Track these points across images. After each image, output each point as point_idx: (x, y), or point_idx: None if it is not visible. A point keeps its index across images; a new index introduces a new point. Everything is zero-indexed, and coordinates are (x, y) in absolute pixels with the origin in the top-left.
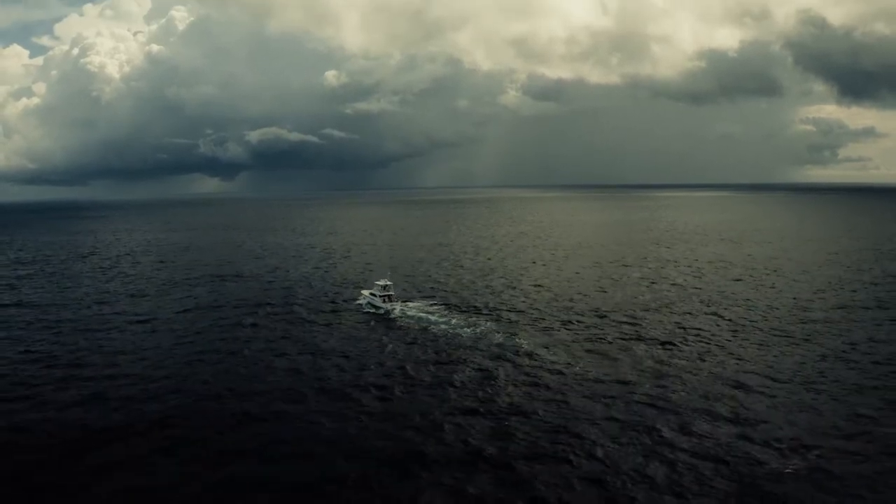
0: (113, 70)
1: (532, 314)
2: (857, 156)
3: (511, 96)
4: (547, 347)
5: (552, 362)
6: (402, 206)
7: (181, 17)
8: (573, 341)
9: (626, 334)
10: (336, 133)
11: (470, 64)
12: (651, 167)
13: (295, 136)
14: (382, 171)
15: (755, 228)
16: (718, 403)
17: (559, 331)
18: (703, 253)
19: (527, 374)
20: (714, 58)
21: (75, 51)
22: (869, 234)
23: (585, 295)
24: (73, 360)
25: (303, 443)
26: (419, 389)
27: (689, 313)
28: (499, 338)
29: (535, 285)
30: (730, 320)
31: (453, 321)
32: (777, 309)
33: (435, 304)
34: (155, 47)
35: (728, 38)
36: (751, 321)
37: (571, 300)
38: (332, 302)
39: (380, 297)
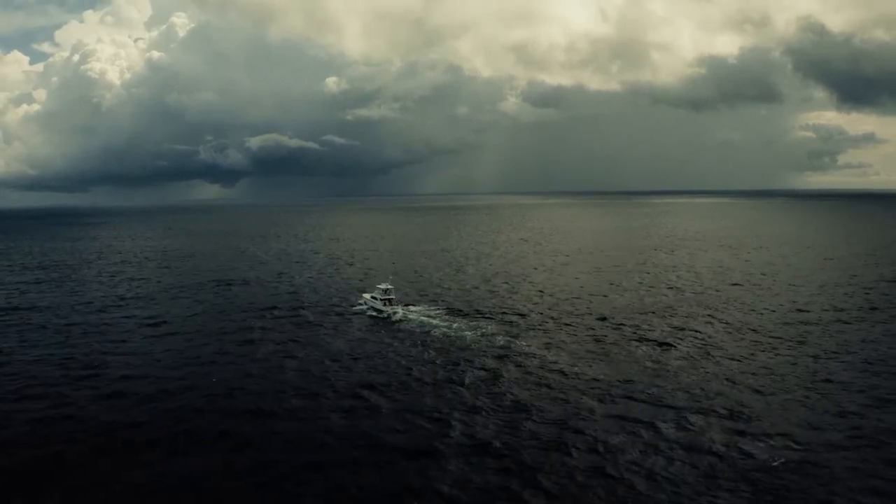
0: (113, 76)
1: (533, 318)
2: (857, 162)
3: (511, 103)
4: (548, 349)
5: (553, 362)
6: (402, 212)
7: (182, 23)
8: (574, 343)
9: (626, 336)
10: (336, 139)
11: (470, 71)
12: (651, 174)
13: (295, 143)
14: (383, 178)
15: (754, 235)
16: (715, 401)
17: (560, 333)
18: (702, 259)
19: (529, 374)
20: (714, 64)
21: (76, 57)
22: (866, 240)
23: (586, 299)
24: (88, 363)
25: (315, 436)
26: (425, 388)
27: (688, 316)
28: (500, 340)
29: (537, 290)
30: (727, 323)
31: (455, 325)
32: (773, 311)
33: (437, 308)
34: (155, 54)
35: (728, 45)
36: (748, 324)
37: (572, 304)
38: (338, 306)
39: (381, 300)
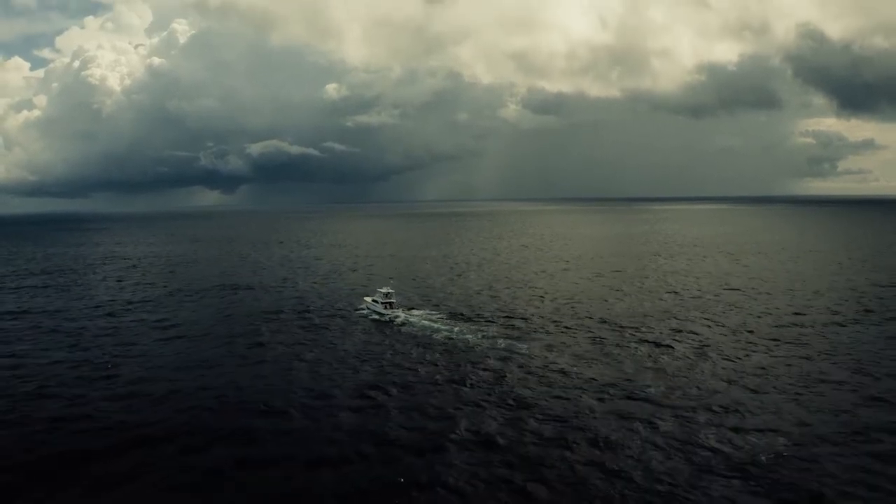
0: (114, 83)
1: (535, 321)
2: (856, 168)
3: (511, 110)
4: (549, 350)
5: (554, 363)
6: (403, 219)
7: (182, 30)
8: (574, 344)
9: (626, 338)
10: (337, 146)
11: (470, 77)
12: (651, 180)
13: (296, 149)
14: (383, 184)
15: (754, 241)
16: (711, 399)
17: (561, 336)
18: (701, 264)
19: (530, 374)
20: (714, 71)
21: (76, 63)
22: (864, 246)
23: (587, 304)
24: (101, 364)
25: (325, 432)
26: (430, 387)
27: (687, 320)
28: (502, 342)
29: (538, 295)
30: (725, 326)
31: (456, 328)
32: (770, 315)
33: (439, 312)
34: (156, 60)
35: (727, 52)
36: (745, 327)
37: (573, 308)
38: (342, 310)
39: (382, 303)
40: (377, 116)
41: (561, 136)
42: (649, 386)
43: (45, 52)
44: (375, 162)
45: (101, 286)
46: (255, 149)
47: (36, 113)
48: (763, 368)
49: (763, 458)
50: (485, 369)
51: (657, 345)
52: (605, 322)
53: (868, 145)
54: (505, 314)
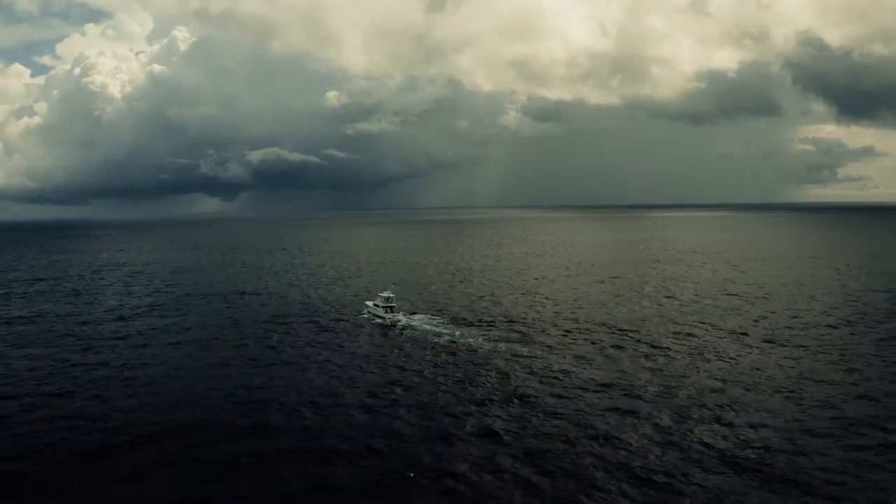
0: (114, 90)
1: (536, 325)
2: (856, 175)
3: (511, 117)
4: (551, 352)
5: (556, 364)
6: (404, 226)
7: (183, 37)
8: (575, 347)
9: (626, 341)
10: (337, 153)
11: (471, 85)
12: (651, 187)
13: (296, 157)
14: (383, 192)
15: (753, 248)
16: (707, 397)
17: (562, 338)
18: (700, 271)
19: (533, 374)
20: (713, 79)
21: (77, 70)
22: (862, 253)
23: (587, 309)
24: (115, 367)
25: (338, 428)
26: (436, 386)
27: (685, 323)
28: (504, 345)
29: (539, 301)
30: (722, 329)
31: (457, 332)
32: (766, 318)
33: (441, 317)
34: (157, 67)
35: (727, 60)
36: (742, 330)
37: (573, 313)
38: (347, 314)
39: (382, 307)
40: (377, 124)
41: (561, 144)
42: (648, 385)
43: (46, 59)
44: (376, 169)
45: (109, 291)
46: (256, 156)
47: (36, 120)
48: (758, 369)
49: (755, 452)
50: (488, 370)
51: (655, 347)
52: (604, 326)
53: (868, 152)
54: (506, 318)
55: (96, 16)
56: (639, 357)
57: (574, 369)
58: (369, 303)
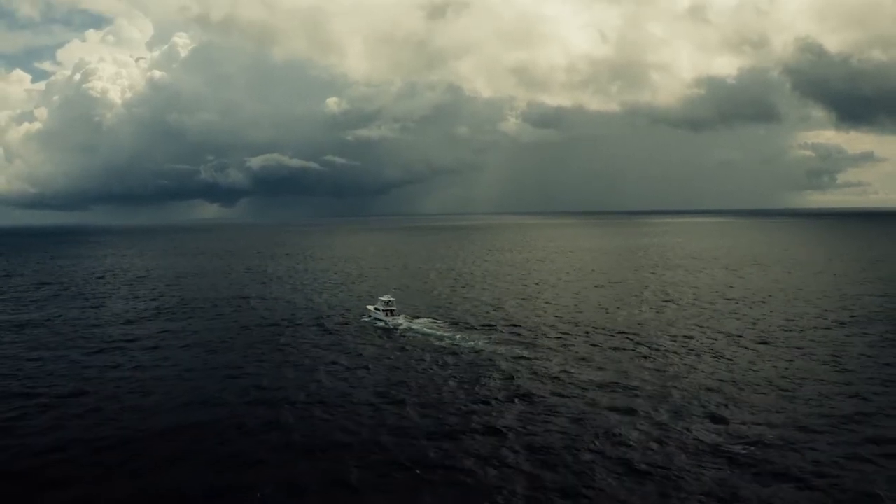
0: (115, 95)
1: (536, 329)
2: (856, 180)
3: (511, 123)
4: (552, 354)
5: (557, 365)
6: (405, 232)
7: (183, 43)
8: (576, 349)
9: (625, 343)
10: (337, 159)
11: (470, 91)
12: (650, 194)
13: (296, 163)
14: (383, 198)
15: (752, 253)
16: (704, 395)
17: (563, 341)
18: (699, 276)
19: (534, 374)
20: (713, 85)
21: (77, 76)
22: (861, 258)
23: (587, 313)
24: (128, 369)
25: (347, 425)
26: (440, 386)
27: (684, 326)
28: (505, 348)
29: (539, 305)
30: (720, 332)
31: (458, 336)
32: (762, 321)
33: (443, 321)
34: (157, 73)
35: (726, 66)
36: (739, 332)
37: (574, 317)
38: (351, 318)
39: (383, 311)
40: (378, 130)
41: (561, 150)
42: (646, 384)
43: (47, 65)
44: (376, 175)
45: (115, 296)
46: (256, 162)
47: (37, 125)
48: (753, 370)
49: (749, 448)
50: (490, 371)
51: (654, 348)
52: (604, 329)
53: (867, 158)
54: (508, 322)
55: (97, 22)
56: (637, 358)
57: (574, 370)
58: (370, 307)
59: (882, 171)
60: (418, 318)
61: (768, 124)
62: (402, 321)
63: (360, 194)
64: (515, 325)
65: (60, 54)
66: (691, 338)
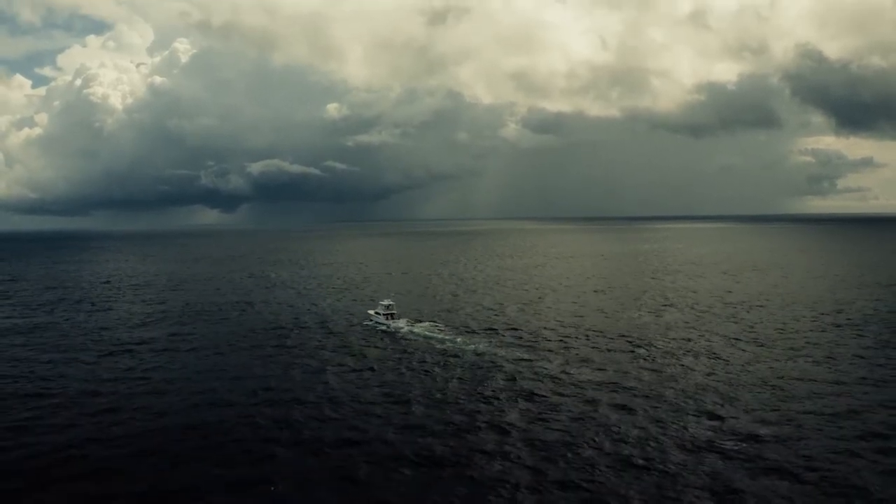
0: (115, 101)
1: (537, 332)
2: (856, 186)
3: (511, 129)
4: (553, 356)
5: (558, 366)
6: (405, 237)
7: (184, 49)
8: (577, 350)
9: (625, 346)
10: (337, 165)
11: (470, 97)
12: (650, 199)
13: (296, 168)
14: (383, 203)
15: (751, 259)
16: (701, 393)
17: (564, 344)
18: (699, 281)
19: (536, 374)
20: (713, 91)
21: (78, 82)
22: (857, 263)
23: (588, 317)
24: (140, 371)
25: (356, 422)
26: (444, 386)
27: (683, 329)
28: (506, 351)
29: (540, 309)
30: (718, 335)
31: (459, 339)
32: (760, 323)
33: (444, 324)
34: (157, 79)
35: (726, 72)
36: (735, 336)
37: (575, 320)
38: (355, 321)
39: (384, 315)
40: (377, 136)
41: (560, 156)
42: (644, 384)
43: (47, 70)
44: (375, 181)
45: (121, 300)
46: (256, 168)
47: (37, 130)
48: (749, 370)
49: (743, 442)
50: (492, 372)
51: (652, 350)
52: (604, 332)
53: (867, 163)
54: (509, 326)
55: (98, 27)
56: (636, 359)
57: (575, 371)
58: (371, 311)
59: (882, 176)
60: (421, 321)
61: (768, 130)
62: (403, 325)
63: (360, 200)
64: (516, 329)
65: (61, 60)
66: (689, 340)
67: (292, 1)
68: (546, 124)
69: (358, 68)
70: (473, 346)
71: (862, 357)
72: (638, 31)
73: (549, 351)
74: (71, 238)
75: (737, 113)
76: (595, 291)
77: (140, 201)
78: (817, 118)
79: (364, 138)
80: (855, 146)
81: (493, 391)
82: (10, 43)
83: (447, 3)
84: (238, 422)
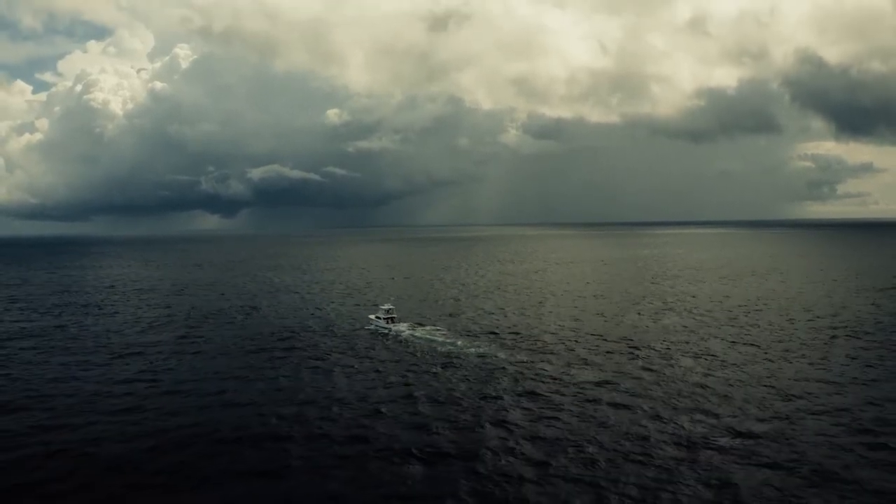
0: (116, 106)
1: (538, 336)
2: (856, 191)
3: (511, 135)
4: (554, 358)
5: (560, 367)
6: (406, 243)
7: (184, 54)
8: (577, 353)
9: (624, 348)
10: (338, 171)
11: (471, 103)
12: (650, 205)
13: (296, 174)
14: (383, 209)
15: (752, 264)
16: (698, 392)
17: (563, 346)
18: (699, 286)
19: (538, 375)
20: (713, 96)
21: (78, 87)
22: (856, 268)
23: (588, 321)
24: (152, 374)
25: (365, 421)
26: (448, 387)
27: (681, 332)
28: (508, 353)
29: (541, 314)
30: (716, 338)
31: (460, 342)
32: (757, 326)
33: (447, 328)
34: (158, 84)
35: (726, 78)
36: (732, 338)
37: (575, 323)
38: (361, 326)
39: (384, 319)
40: (378, 142)
41: (561, 161)
42: (643, 383)
43: (48, 76)
44: (376, 187)
45: (127, 305)
46: (256, 173)
47: (38, 136)
48: (745, 371)
49: (738, 438)
50: (494, 373)
51: (651, 352)
52: (604, 335)
53: (867, 168)
54: (510, 330)
55: (99, 33)
56: (635, 360)
57: (575, 371)
58: (372, 316)
59: (882, 181)
60: (423, 325)
61: (768, 135)
62: (404, 329)
63: (360, 205)
64: (518, 333)
65: (62, 65)
66: (688, 342)
67: (293, 7)
68: (546, 130)
69: (359, 74)
70: (475, 349)
71: (854, 358)
72: (638, 37)
73: (550, 353)
74: (71, 243)
75: (737, 118)
76: (595, 296)
77: (140, 207)
78: (817, 123)
79: (365, 144)
80: (855, 151)
81: (495, 390)
82: (11, 48)
83: (448, 9)
84: (251, 420)
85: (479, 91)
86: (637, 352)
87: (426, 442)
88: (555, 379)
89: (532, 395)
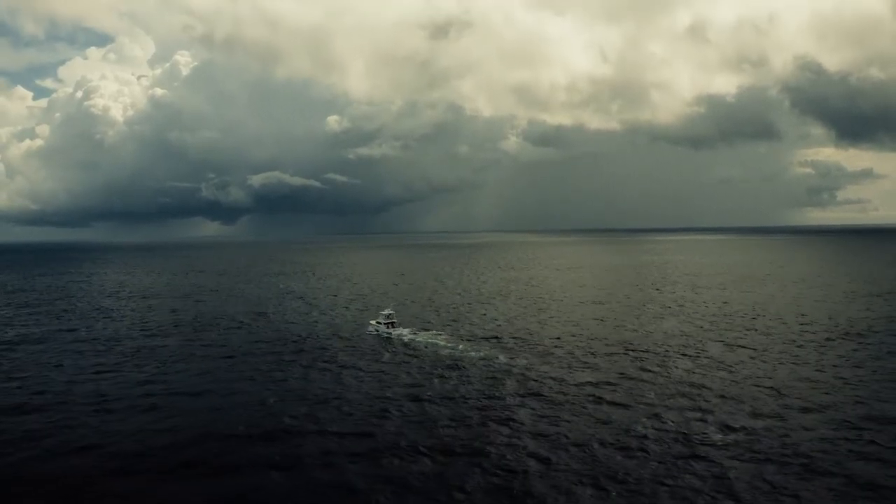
0: (116, 113)
1: (539, 340)
2: (856, 197)
3: (512, 142)
4: (555, 360)
5: (561, 368)
6: (407, 250)
7: (185, 61)
8: (578, 355)
9: (624, 350)
10: (338, 177)
11: (471, 110)
12: (651, 211)
13: (297, 181)
14: (383, 216)
15: (752, 270)
16: (696, 392)
17: (564, 349)
18: (699, 292)
19: (540, 376)
20: (712, 103)
21: (79, 93)
22: (855, 274)
23: (589, 325)
24: (163, 376)
25: (374, 419)
26: (452, 387)
27: (680, 336)
28: (509, 357)
29: (542, 319)
30: (715, 340)
31: (461, 346)
32: (755, 330)
33: (449, 333)
34: (158, 91)
35: (726, 85)
36: (731, 342)
37: (575, 328)
38: (362, 331)
39: (385, 324)
40: (378, 148)
41: (561, 168)
42: (642, 383)
43: (48, 82)
44: (376, 193)
45: (133, 309)
46: (257, 180)
47: (38, 142)
48: (743, 371)
49: (735, 436)
50: (496, 374)
51: (651, 355)
52: (604, 339)
53: (867, 175)
54: (511, 335)
55: (100, 40)
56: (635, 361)
57: (577, 373)
58: (372, 321)
59: (881, 188)
60: (426, 330)
61: (768, 142)
62: (405, 333)
63: (360, 212)
64: (519, 338)
65: (62, 72)
66: (687, 346)
67: (294, 14)
68: (546, 137)
69: (359, 81)
70: (477, 353)
71: (847, 359)
72: (637, 45)
73: (552, 356)
74: (72, 249)
75: (736, 125)
76: (595, 302)
77: (140, 213)
78: (817, 130)
79: (365, 151)
80: (854, 158)
81: (498, 391)
82: (13, 55)
83: (449, 17)
84: (263, 419)
85: (480, 98)
86: (638, 355)
87: (434, 438)
88: (556, 380)
89: (535, 395)
